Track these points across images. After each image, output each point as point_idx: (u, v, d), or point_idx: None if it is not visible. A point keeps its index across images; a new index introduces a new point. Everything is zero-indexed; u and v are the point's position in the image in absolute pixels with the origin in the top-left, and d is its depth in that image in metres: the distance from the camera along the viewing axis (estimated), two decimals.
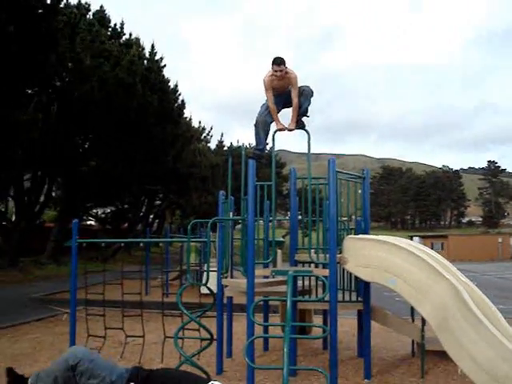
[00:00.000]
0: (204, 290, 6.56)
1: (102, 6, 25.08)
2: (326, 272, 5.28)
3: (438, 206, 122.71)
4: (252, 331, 5.01)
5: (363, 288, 5.89)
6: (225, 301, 6.40)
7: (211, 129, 40.03)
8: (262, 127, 6.23)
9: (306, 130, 6.32)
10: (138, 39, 25.30)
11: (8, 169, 19.51)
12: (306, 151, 6.23)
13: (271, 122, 6.25)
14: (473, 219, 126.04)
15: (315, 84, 6.51)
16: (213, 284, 5.83)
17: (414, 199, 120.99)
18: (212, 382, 3.46)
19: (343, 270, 6.31)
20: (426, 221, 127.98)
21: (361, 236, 5.79)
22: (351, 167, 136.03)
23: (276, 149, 6.61)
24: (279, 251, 12.26)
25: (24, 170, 22.23)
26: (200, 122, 38.94)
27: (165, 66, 26.37)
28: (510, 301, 13.09)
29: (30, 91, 19.36)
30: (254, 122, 6.27)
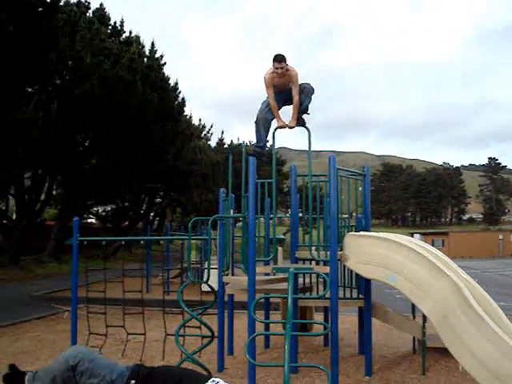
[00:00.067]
0: (205, 288, 6.57)
1: (101, 4, 25.05)
2: (327, 269, 5.28)
3: (439, 202, 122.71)
4: (253, 329, 5.01)
5: (364, 285, 5.89)
6: (226, 298, 6.40)
7: (211, 126, 39.94)
8: (263, 124, 6.22)
9: (306, 128, 6.31)
10: (138, 37, 25.27)
11: (8, 167, 19.49)
12: (307, 148, 6.22)
13: (272, 119, 6.24)
14: (473, 216, 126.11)
15: (315, 82, 6.50)
16: (214, 281, 5.83)
17: (415, 196, 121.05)
18: (213, 378, 3.46)
19: (344, 267, 6.31)
20: (427, 218, 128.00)
21: (361, 233, 5.79)
22: (352, 164, 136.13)
23: (276, 146, 6.61)
24: (280, 249, 12.29)
25: (24, 168, 22.22)
26: (200, 120, 38.92)
27: (165, 63, 26.39)
28: (510, 298, 13.10)
29: (30, 90, 19.35)
30: (255, 120, 6.26)
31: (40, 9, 17.22)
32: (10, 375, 3.75)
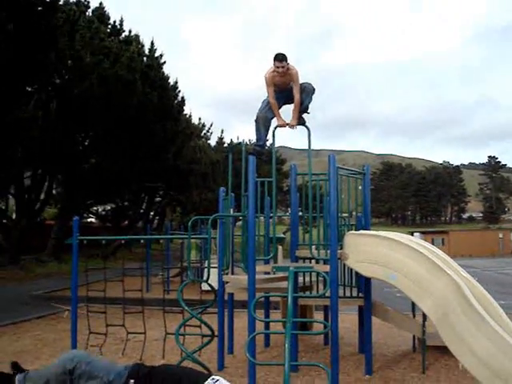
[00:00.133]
0: (205, 287, 6.58)
1: (101, 3, 25.03)
2: (327, 268, 5.28)
3: (439, 201, 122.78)
4: (253, 327, 5.02)
5: (364, 284, 5.89)
6: (226, 297, 6.40)
7: (211, 125, 39.80)
8: (263, 123, 6.22)
9: (306, 127, 6.31)
10: (137, 36, 25.26)
11: (8, 167, 19.50)
12: (307, 147, 6.23)
13: (272, 118, 6.24)
14: (473, 215, 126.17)
15: (315, 81, 6.50)
16: (214, 280, 5.83)
17: (415, 195, 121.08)
18: (213, 377, 3.46)
19: (344, 265, 6.31)
20: (427, 216, 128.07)
21: (361, 232, 5.79)
22: (351, 163, 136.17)
23: (276, 145, 6.60)
24: (280, 247, 12.27)
25: (24, 167, 22.23)
26: (200, 119, 38.83)
27: (164, 62, 26.36)
28: (510, 296, 13.11)
29: (29, 89, 19.35)
30: (255, 118, 6.26)
31: (39, 8, 17.23)
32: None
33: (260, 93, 6.28)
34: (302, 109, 6.20)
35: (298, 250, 6.30)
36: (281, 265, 6.80)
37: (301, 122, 6.30)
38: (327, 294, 5.16)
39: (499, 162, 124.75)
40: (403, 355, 6.54)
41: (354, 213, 7.35)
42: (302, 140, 6.57)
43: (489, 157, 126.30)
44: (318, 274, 5.89)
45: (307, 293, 6.63)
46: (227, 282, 6.22)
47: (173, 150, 26.20)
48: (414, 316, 6.43)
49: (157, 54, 25.84)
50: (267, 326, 7.00)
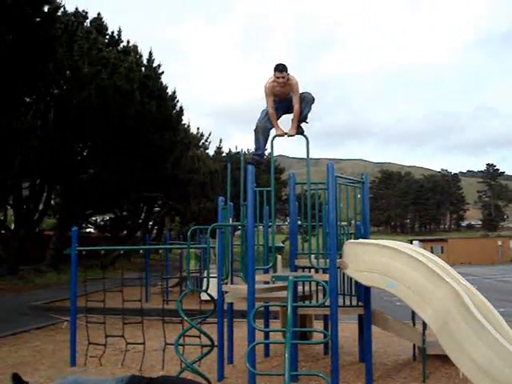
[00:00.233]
0: (204, 297, 6.57)
1: (99, 14, 25.24)
2: (326, 277, 5.28)
3: (438, 209, 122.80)
4: (253, 337, 5.00)
5: (363, 293, 5.88)
6: (225, 307, 6.38)
7: (210, 135, 39.88)
8: (262, 133, 6.25)
9: (304, 136, 6.33)
10: (135, 46, 25.38)
11: (6, 177, 19.49)
12: (305, 156, 6.24)
13: (271, 128, 6.27)
14: (472, 222, 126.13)
15: (314, 89, 6.53)
16: (213, 290, 5.82)
17: (414, 203, 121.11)
18: None
19: (343, 274, 6.30)
20: (426, 225, 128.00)
21: (361, 240, 5.79)
22: (350, 172, 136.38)
23: (275, 154, 6.63)
24: (279, 257, 12.26)
25: (23, 178, 22.23)
26: (198, 129, 38.87)
27: (163, 72, 26.44)
28: (510, 304, 13.08)
29: (28, 99, 19.39)
30: (254, 128, 6.29)
31: (38, 19, 17.30)
32: None
33: (259, 103, 6.31)
34: (301, 118, 6.23)
35: (298, 259, 6.30)
36: (280, 274, 6.79)
37: (299, 131, 6.32)
38: (327, 303, 5.16)
39: (498, 169, 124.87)
40: (403, 364, 6.52)
41: (353, 221, 7.35)
42: (301, 149, 6.60)
43: (487, 164, 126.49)
44: (317, 283, 5.89)
45: (307, 302, 6.62)
46: (227, 292, 6.20)
47: (171, 159, 26.21)
48: (414, 325, 6.41)
49: (155, 64, 25.93)
50: (267, 336, 6.99)
